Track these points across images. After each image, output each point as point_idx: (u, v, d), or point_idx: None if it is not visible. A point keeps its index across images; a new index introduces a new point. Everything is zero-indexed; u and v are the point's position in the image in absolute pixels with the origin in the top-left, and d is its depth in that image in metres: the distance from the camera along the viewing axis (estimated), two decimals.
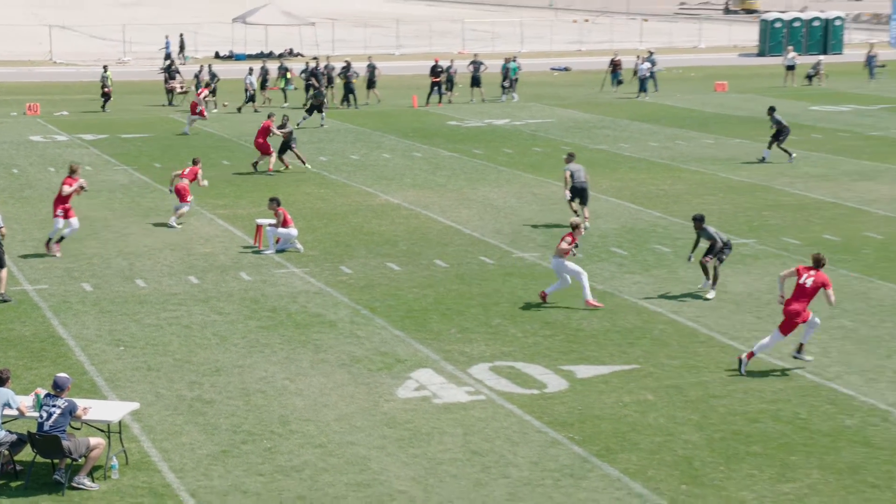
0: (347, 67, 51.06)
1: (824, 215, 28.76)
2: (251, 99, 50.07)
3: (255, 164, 35.41)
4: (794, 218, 28.51)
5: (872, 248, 25.36)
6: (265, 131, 34.93)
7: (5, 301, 21.33)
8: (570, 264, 21.17)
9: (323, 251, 25.43)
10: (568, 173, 27.46)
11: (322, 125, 44.45)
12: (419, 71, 66.18)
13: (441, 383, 17.32)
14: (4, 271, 21.51)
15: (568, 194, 27.51)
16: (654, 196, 31.33)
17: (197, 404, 16.57)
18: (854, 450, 14.96)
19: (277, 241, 25.25)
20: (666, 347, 18.84)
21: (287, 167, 35.30)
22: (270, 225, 25.32)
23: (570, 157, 28.23)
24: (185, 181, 28.34)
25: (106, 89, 49.88)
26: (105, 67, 50.65)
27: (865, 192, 31.72)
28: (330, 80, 51.06)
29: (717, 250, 21.75)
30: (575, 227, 21.26)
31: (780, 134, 36.20)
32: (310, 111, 44.64)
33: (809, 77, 61.21)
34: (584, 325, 19.98)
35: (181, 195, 27.99)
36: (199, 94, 45.19)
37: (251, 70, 51.63)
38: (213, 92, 50.13)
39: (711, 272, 21.92)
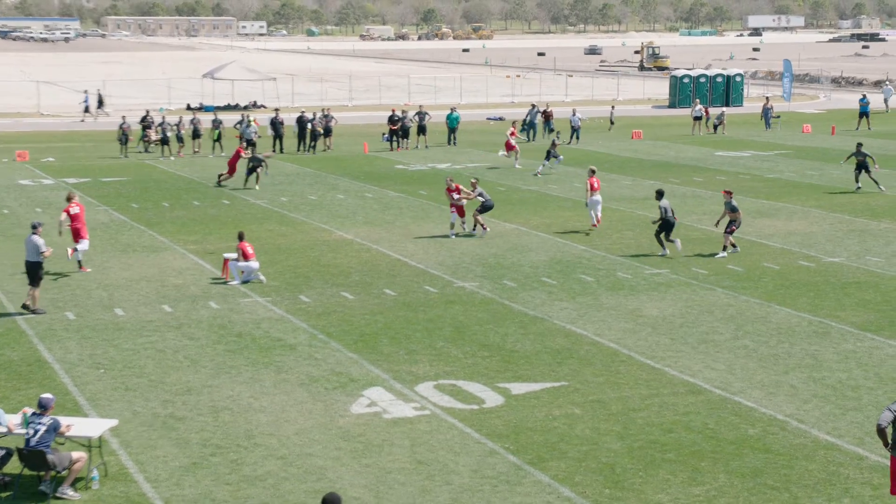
0: (302, 117, 51.11)
1: (716, 249, 28.99)
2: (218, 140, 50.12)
3: (220, 178, 40.21)
4: (702, 250, 28.73)
5: (770, 277, 25.62)
6: (237, 156, 40.17)
7: (36, 313, 22.01)
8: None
9: (284, 282, 25.27)
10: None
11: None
12: (370, 120, 66.22)
13: (390, 400, 17.22)
14: (38, 290, 22.21)
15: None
16: (578, 231, 31.47)
17: (170, 421, 16.36)
18: (756, 456, 15.05)
19: (242, 274, 25.07)
20: (591, 366, 18.88)
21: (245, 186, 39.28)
22: (235, 259, 25.15)
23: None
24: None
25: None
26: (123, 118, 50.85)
27: (764, 227, 32.08)
28: (314, 132, 50.93)
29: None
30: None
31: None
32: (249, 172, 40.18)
33: (714, 126, 61.91)
34: (518, 347, 19.98)
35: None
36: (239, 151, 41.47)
37: (219, 121, 51.41)
38: (178, 139, 49.93)
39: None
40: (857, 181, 38.95)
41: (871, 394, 17.42)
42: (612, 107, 66.74)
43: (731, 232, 27.85)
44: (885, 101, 72.47)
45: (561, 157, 44.67)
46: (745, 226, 31.97)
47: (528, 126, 57.21)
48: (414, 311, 22.67)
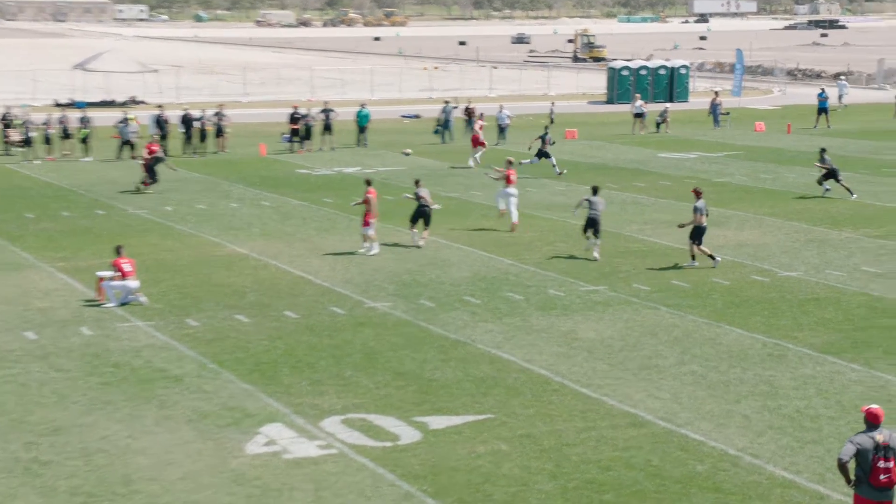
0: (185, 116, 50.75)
1: (672, 261, 29.37)
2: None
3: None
4: (644, 264, 29.06)
5: (720, 294, 25.97)
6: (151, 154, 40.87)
7: None
8: None
9: (168, 304, 25.00)
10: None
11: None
12: (268, 118, 65.94)
13: (291, 437, 17.11)
14: None
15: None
16: (504, 244, 31.63)
17: (34, 466, 16.05)
18: (705, 496, 15.21)
19: (119, 295, 24.74)
20: (519, 396, 18.95)
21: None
22: (111, 278, 24.80)
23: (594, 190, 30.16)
24: None
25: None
26: None
27: (712, 238, 32.48)
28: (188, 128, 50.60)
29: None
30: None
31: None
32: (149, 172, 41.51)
33: (657, 124, 62.70)
34: (436, 376, 19.98)
35: None
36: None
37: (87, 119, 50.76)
38: (45, 140, 49.25)
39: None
40: (822, 184, 39.64)
41: (833, 424, 17.72)
42: (553, 103, 67.14)
43: (699, 241, 28.31)
44: (840, 97, 73.92)
45: (536, 160, 45.09)
46: None
47: (442, 126, 57.28)
48: (318, 335, 22.57)
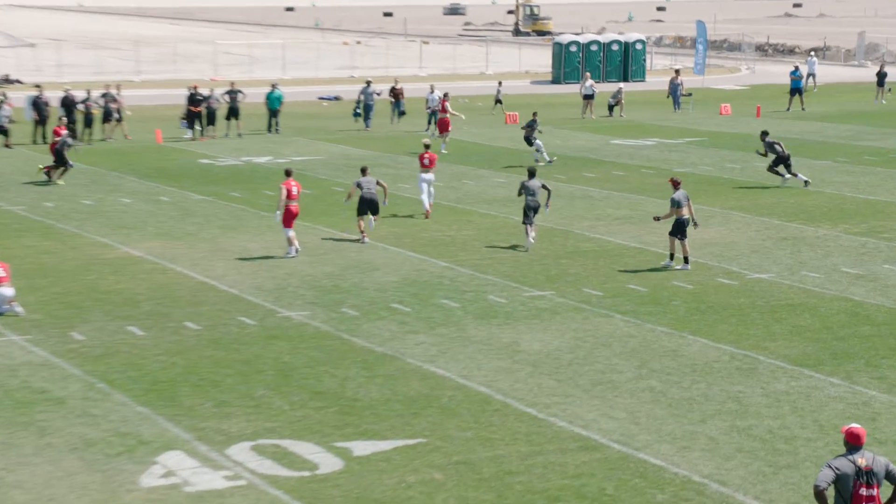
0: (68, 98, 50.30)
1: (628, 262, 29.56)
2: None
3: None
4: (596, 266, 29.22)
5: (682, 300, 26.17)
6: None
7: None
8: None
9: (49, 315, 24.76)
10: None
11: None
12: (164, 100, 65.53)
13: (193, 468, 17.01)
14: None
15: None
16: (438, 243, 31.66)
17: None
18: None
19: None
20: (455, 417, 18.97)
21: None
22: None
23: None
24: None
25: None
26: None
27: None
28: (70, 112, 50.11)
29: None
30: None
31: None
32: None
33: (610, 107, 63.09)
34: (360, 395, 19.96)
35: None
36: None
37: None
38: None
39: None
40: (783, 174, 40.12)
41: (809, 446, 17.92)
42: (500, 83, 67.19)
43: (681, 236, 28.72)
44: (810, 75, 74.56)
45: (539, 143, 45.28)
46: (650, 234, 32.63)
47: (361, 108, 57.04)
48: (225, 349, 22.46)
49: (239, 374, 21.01)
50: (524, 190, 31.02)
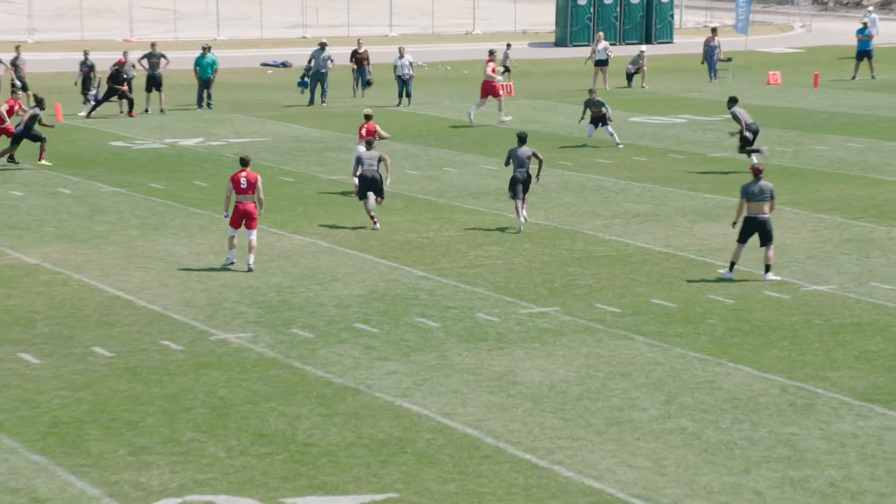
0: None
1: (652, 271, 29.58)
2: None
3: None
4: (612, 276, 29.22)
5: (720, 318, 26.16)
6: (11, 113, 42.69)
7: None
8: None
9: None
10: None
11: None
12: (65, 66, 65.34)
13: None
14: None
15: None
16: (413, 247, 31.64)
17: None
18: None
19: None
20: (435, 466, 18.96)
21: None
22: None
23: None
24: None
25: None
26: None
27: (708, 237, 32.78)
28: None
29: None
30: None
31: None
32: None
33: (629, 76, 63.12)
34: (316, 438, 19.93)
35: None
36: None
37: None
38: None
39: None
40: (749, 153, 40.56)
41: (884, 502, 17.92)
42: (508, 45, 66.55)
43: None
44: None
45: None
46: (679, 235, 32.65)
47: (308, 76, 56.78)
48: (145, 381, 22.40)
49: (162, 413, 20.95)
50: (512, 159, 32.78)
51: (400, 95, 56.35)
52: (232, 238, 29.75)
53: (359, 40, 60.24)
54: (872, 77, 64.17)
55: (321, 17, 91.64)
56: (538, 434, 20.14)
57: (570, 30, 79.72)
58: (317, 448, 19.61)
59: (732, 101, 41.48)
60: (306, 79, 57.03)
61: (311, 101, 56.37)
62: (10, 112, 42.83)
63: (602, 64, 62.05)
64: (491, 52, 53.49)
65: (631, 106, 55.97)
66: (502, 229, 33.33)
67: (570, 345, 24.44)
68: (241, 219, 29.57)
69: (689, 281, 28.75)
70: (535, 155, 33.00)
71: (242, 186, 29.63)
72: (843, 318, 26.17)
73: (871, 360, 23.64)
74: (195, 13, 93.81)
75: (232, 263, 29.71)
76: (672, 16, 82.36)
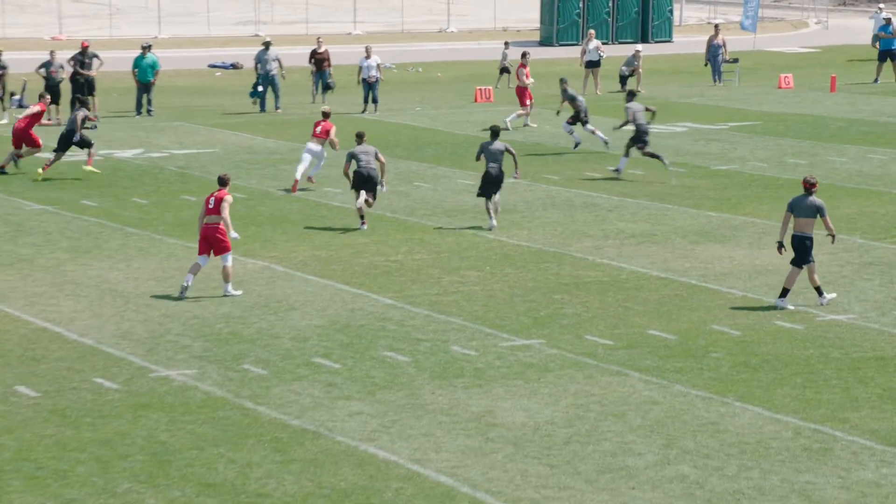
0: None
1: (649, 298, 29.61)
2: None
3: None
4: (603, 304, 29.24)
5: (725, 351, 26.19)
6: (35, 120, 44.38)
7: None
8: None
9: None
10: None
11: None
12: None
13: None
14: None
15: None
16: (380, 272, 31.64)
17: None
18: None
19: None
20: None
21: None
22: None
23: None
24: None
25: None
26: None
27: (712, 259, 32.82)
28: None
29: None
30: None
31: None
32: None
33: (623, 78, 63.22)
34: (269, 488, 19.88)
35: None
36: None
37: None
38: None
39: None
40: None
41: None
42: (506, 44, 66.35)
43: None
44: (876, 35, 74.37)
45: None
46: (680, 258, 32.70)
47: (261, 84, 56.59)
48: (75, 425, 22.34)
49: (95, 461, 20.90)
50: (484, 153, 34.66)
51: (365, 101, 56.39)
52: (196, 266, 29.68)
53: (318, 39, 60.26)
54: None
55: (276, 13, 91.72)
56: (521, 482, 20.15)
57: (557, 27, 79.91)
58: (270, 499, 19.59)
59: (631, 96, 43.98)
60: (259, 88, 56.72)
61: (264, 108, 56.36)
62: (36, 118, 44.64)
63: (593, 65, 62.22)
64: (524, 55, 54.11)
65: (625, 112, 55.97)
66: (481, 251, 33.36)
67: (556, 381, 24.45)
68: (207, 244, 29.52)
69: (690, 310, 28.79)
70: (507, 150, 34.80)
71: (210, 206, 29.62)
72: (865, 351, 26.22)
73: None
74: (133, 8, 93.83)
75: (185, 290, 29.59)
76: (671, 11, 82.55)
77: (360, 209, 34.99)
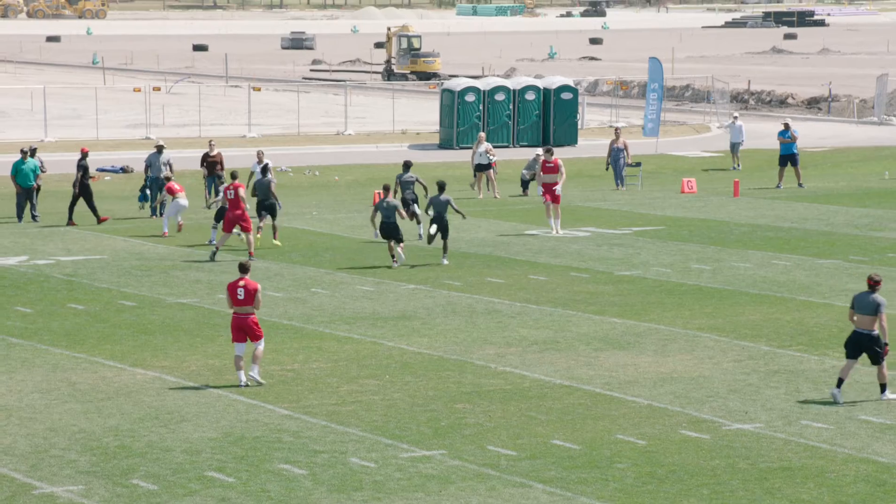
0: None
1: (552, 407, 29.62)
2: None
3: None
4: (506, 413, 29.20)
5: (630, 461, 26.18)
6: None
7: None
8: None
9: None
10: None
11: None
12: None
13: None
14: None
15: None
16: (276, 381, 31.51)
17: None
18: None
19: None
20: None
21: None
22: None
23: None
24: None
25: None
26: None
27: (616, 367, 32.89)
28: None
29: None
30: None
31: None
32: None
33: (524, 183, 63.37)
34: None
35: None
36: None
37: None
38: None
39: None
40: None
41: None
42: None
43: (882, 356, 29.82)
44: (733, 145, 74.04)
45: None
46: (584, 366, 32.72)
47: (148, 188, 56.15)
48: None
49: None
50: (432, 206, 40.81)
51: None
52: (238, 358, 30.80)
53: (210, 141, 59.97)
54: (800, 185, 64.82)
55: (168, 115, 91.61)
56: None
57: (457, 130, 80.00)
58: None
59: (406, 167, 49.40)
60: (147, 190, 56.39)
61: (154, 212, 56.08)
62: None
63: (483, 168, 62.27)
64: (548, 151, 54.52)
65: (527, 217, 56.20)
66: (380, 359, 33.30)
67: (458, 494, 24.40)
68: (242, 333, 30.03)
69: (594, 419, 28.82)
70: (449, 203, 41.54)
71: (239, 298, 30.34)
72: (771, 461, 26.32)
73: None
74: (18, 111, 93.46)
75: (246, 386, 30.73)
76: (576, 114, 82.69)
77: (391, 248, 41.90)
